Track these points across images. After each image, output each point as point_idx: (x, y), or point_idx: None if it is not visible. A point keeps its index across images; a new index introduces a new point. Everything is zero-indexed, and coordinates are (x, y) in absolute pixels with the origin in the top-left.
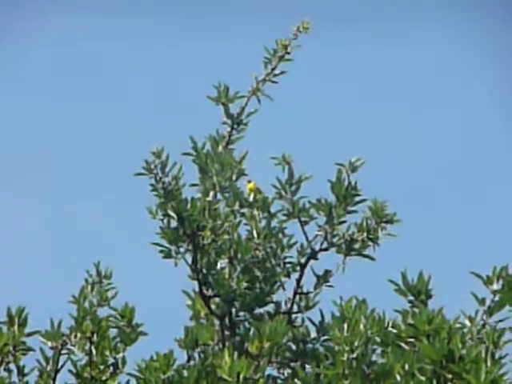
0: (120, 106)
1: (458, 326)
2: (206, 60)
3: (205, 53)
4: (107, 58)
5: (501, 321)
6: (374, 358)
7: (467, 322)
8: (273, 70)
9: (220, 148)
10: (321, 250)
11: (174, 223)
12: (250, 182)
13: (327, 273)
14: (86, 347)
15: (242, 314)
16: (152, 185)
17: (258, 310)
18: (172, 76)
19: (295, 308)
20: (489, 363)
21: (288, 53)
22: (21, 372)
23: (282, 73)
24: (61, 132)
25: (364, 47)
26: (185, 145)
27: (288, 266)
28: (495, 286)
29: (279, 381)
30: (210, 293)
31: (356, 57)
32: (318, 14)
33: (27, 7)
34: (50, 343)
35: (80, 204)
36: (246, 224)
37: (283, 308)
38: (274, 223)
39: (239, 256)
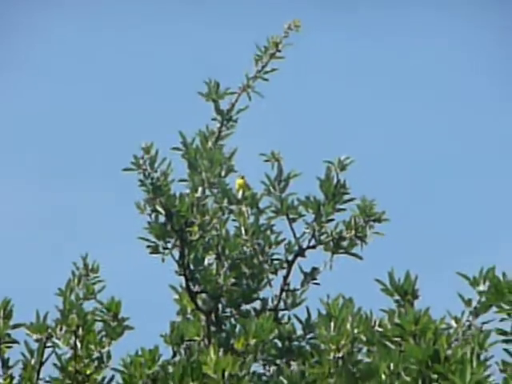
0: (110, 99)
1: (443, 326)
2: (197, 54)
3: (196, 47)
4: (96, 50)
5: (487, 322)
6: (359, 357)
7: (453, 323)
8: (263, 67)
9: (209, 144)
10: (308, 247)
11: (162, 218)
12: (243, 177)
13: (314, 270)
14: (71, 341)
15: (228, 310)
16: (141, 180)
17: (245, 307)
18: (163, 70)
19: (282, 305)
20: (474, 364)
21: (279, 51)
22: (5, 364)
23: (272, 70)
24: (53, 120)
25: (351, 42)
26: (174, 140)
27: (275, 262)
28: (481, 287)
29: (264, 378)
30: (196, 288)
31: (344, 54)
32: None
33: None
34: (35, 336)
35: (68, 195)
36: (234, 220)
37: (270, 305)
38: (262, 220)
39: (227, 252)
